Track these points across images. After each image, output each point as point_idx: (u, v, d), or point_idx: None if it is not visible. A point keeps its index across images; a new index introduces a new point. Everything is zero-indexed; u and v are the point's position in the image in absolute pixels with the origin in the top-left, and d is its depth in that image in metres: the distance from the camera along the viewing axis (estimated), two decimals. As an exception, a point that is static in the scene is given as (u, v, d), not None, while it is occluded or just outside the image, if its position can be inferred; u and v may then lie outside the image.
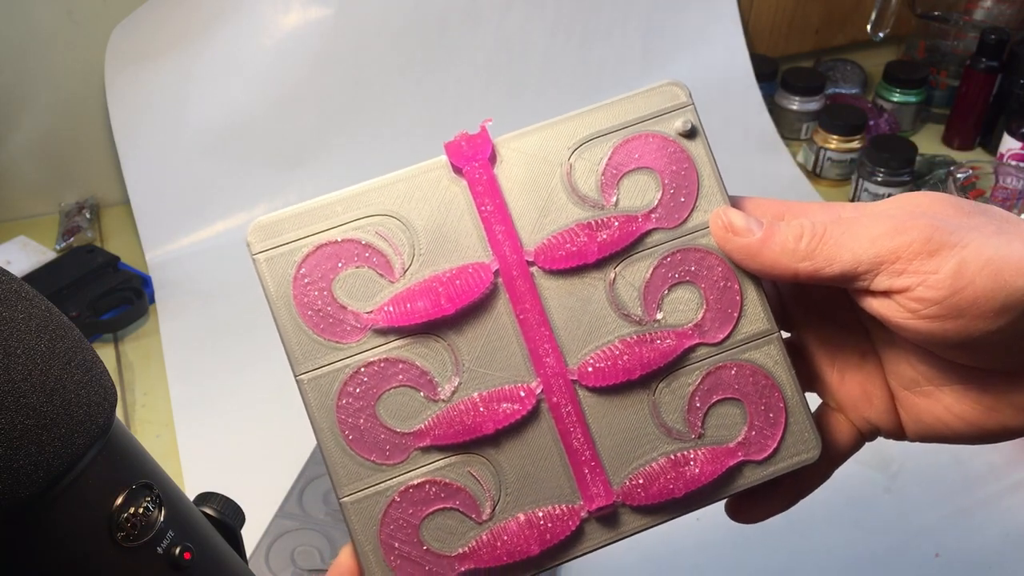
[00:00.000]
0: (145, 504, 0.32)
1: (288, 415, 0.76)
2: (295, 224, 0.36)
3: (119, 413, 0.75)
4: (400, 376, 0.36)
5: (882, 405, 0.39)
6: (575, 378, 0.36)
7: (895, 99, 1.13)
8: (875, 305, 0.34)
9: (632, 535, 0.37)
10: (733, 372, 0.37)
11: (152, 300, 0.88)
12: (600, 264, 0.37)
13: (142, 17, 0.93)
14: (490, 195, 0.36)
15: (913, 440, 0.39)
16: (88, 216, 0.98)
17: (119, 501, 0.31)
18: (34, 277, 0.87)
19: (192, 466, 0.72)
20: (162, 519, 0.32)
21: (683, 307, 0.37)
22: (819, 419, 0.39)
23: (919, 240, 0.32)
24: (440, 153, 0.37)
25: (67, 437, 0.29)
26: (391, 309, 0.35)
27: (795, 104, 1.12)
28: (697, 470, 0.37)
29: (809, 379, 0.40)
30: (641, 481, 0.36)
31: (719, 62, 1.12)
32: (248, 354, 0.83)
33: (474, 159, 0.36)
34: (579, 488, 0.36)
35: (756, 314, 0.38)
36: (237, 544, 0.39)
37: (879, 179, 0.97)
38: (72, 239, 0.95)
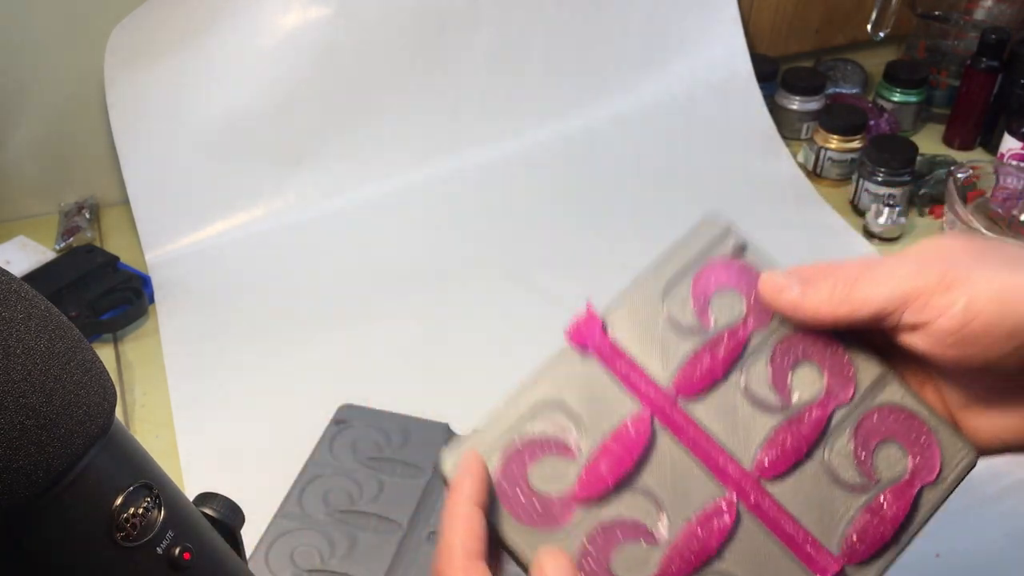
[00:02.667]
0: (145, 504, 0.32)
1: (288, 415, 0.77)
2: (475, 444, 0.41)
3: (119, 413, 0.75)
4: (620, 534, 0.40)
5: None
6: (758, 475, 0.41)
7: (895, 99, 1.13)
8: (908, 339, 0.39)
9: None
10: (875, 419, 0.43)
11: (152, 300, 0.88)
12: (727, 375, 0.43)
13: (142, 17, 0.93)
14: (618, 357, 0.43)
15: (984, 455, 0.43)
16: (88, 216, 0.98)
17: (119, 501, 0.31)
18: (33, 277, 0.87)
19: (192, 466, 0.72)
20: (162, 519, 0.32)
21: (809, 383, 0.43)
22: None
23: (935, 277, 0.37)
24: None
25: (67, 437, 0.29)
26: (586, 478, 0.40)
27: (795, 104, 1.12)
28: (893, 509, 0.41)
29: None
30: (855, 538, 0.40)
31: (719, 62, 1.12)
32: (248, 354, 0.83)
33: (593, 335, 0.43)
34: (809, 567, 0.40)
35: (866, 364, 0.43)
36: (236, 544, 0.39)
37: (879, 179, 0.97)
38: (72, 239, 0.95)
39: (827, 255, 0.93)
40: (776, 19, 1.16)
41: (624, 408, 0.42)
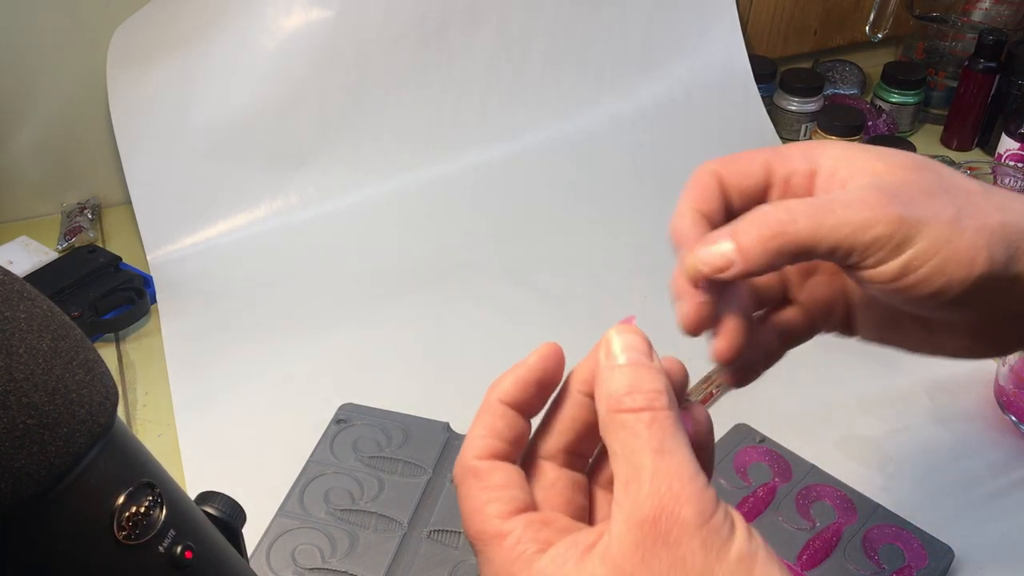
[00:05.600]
0: (146, 503, 0.32)
1: (289, 414, 0.77)
2: None
3: (121, 413, 0.76)
4: None
5: (840, 315, 0.46)
6: (800, 568, 0.62)
7: (893, 100, 1.14)
8: (854, 275, 0.40)
9: None
10: (875, 532, 0.64)
11: (154, 300, 0.89)
12: (766, 512, 0.65)
13: (144, 18, 0.93)
14: None
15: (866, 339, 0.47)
16: (90, 216, 0.98)
17: (120, 500, 0.31)
18: (36, 277, 0.88)
19: (193, 465, 0.72)
20: (163, 518, 0.32)
21: (826, 513, 0.65)
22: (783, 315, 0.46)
23: (884, 236, 0.38)
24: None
25: (69, 436, 0.29)
26: None
27: (794, 105, 1.13)
28: None
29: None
30: None
31: (718, 63, 1.12)
32: (249, 354, 0.83)
33: None
34: None
35: (862, 499, 0.65)
36: (238, 543, 0.39)
37: (878, 179, 0.97)
38: (74, 239, 0.95)
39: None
40: (774, 20, 1.16)
41: None
